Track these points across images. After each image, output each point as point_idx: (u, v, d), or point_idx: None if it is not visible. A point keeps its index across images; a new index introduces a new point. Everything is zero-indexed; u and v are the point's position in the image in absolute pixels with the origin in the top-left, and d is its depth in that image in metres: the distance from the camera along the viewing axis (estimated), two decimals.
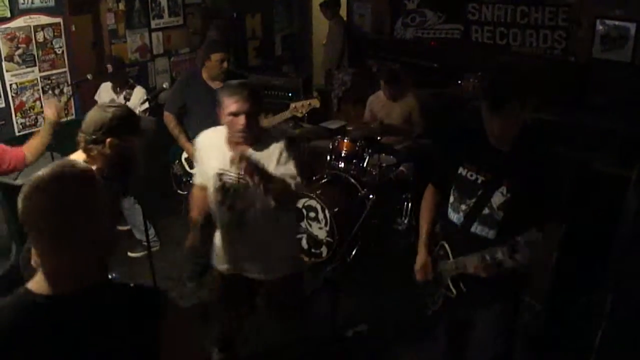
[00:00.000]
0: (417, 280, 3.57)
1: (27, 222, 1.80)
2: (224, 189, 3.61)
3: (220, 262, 3.94)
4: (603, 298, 3.82)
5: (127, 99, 5.83)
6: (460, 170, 3.29)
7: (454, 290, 3.35)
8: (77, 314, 1.81)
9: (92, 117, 3.24)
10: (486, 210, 3.19)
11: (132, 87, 6.09)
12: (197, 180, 3.92)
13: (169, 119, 5.58)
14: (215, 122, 5.28)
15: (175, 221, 6.26)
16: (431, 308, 3.61)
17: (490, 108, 3.03)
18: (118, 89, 6.14)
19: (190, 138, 5.14)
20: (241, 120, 3.44)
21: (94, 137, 3.18)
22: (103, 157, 3.24)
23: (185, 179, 5.71)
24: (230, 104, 3.44)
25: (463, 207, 3.28)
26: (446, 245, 3.40)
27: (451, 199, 3.38)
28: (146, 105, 5.83)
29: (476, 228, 3.23)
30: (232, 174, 3.57)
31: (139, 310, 1.87)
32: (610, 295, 3.75)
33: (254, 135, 3.54)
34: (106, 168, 3.26)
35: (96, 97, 6.28)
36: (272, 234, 3.68)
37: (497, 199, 3.14)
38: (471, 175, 3.24)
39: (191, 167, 5.57)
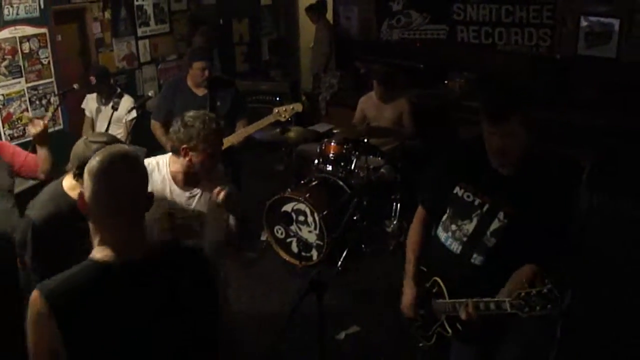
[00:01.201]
0: (405, 317, 3.36)
1: (105, 193, 1.99)
2: (173, 228, 3.40)
3: None
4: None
5: (115, 108, 5.80)
6: (457, 189, 3.07)
7: (449, 330, 3.12)
8: (150, 277, 2.04)
9: (76, 152, 3.14)
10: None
11: (120, 96, 6.05)
12: None
13: (155, 126, 5.59)
14: None
15: None
16: (424, 343, 3.37)
17: (490, 122, 2.78)
18: (103, 100, 6.14)
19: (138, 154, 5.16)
20: (215, 161, 3.36)
21: (77, 172, 3.12)
22: None
23: None
24: (211, 143, 3.29)
25: (453, 227, 3.09)
26: (440, 282, 3.14)
27: (444, 218, 3.17)
28: (134, 114, 5.83)
29: (475, 258, 3.02)
30: (183, 214, 3.40)
31: (198, 268, 2.18)
32: (569, 292, 3.75)
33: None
34: None
35: (83, 106, 6.28)
36: None
37: (493, 224, 2.93)
38: (468, 197, 3.02)
39: None
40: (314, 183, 6.06)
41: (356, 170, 6.12)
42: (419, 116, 6.67)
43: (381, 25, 9.17)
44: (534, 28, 7.83)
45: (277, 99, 8.56)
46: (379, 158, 6.29)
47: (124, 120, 6.02)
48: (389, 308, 5.11)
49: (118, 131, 6.01)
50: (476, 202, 2.98)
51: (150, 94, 5.58)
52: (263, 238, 6.16)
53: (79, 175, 3.15)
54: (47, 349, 1.91)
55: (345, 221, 5.76)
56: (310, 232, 5.77)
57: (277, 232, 5.96)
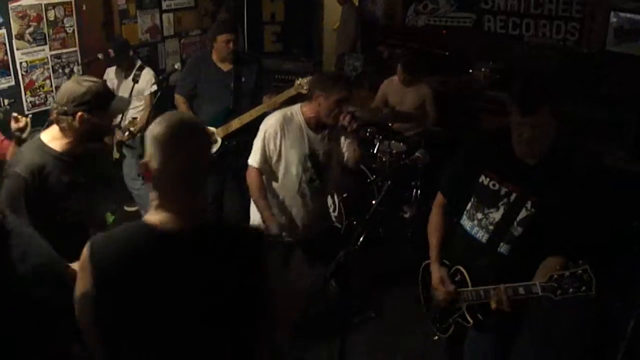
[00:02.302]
0: (435, 300, 3.36)
1: (168, 161, 2.01)
2: (311, 168, 4.12)
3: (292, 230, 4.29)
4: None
5: (135, 81, 5.77)
6: (482, 178, 3.10)
7: (470, 320, 3.15)
8: (193, 249, 2.06)
9: (66, 88, 3.14)
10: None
11: (141, 69, 6.02)
12: (258, 163, 4.12)
13: (179, 101, 5.56)
14: (225, 103, 5.24)
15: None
16: (439, 336, 3.46)
17: (521, 113, 2.81)
18: (124, 73, 6.11)
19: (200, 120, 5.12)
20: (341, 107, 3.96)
21: (65, 108, 3.08)
22: (72, 130, 3.14)
23: None
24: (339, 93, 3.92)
25: (479, 215, 3.12)
26: (463, 270, 3.17)
27: (468, 206, 3.21)
28: (155, 87, 5.80)
29: (501, 247, 3.05)
30: (318, 153, 4.12)
31: (248, 247, 2.17)
32: None
33: None
34: (75, 142, 3.19)
35: (105, 76, 6.25)
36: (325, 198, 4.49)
37: (520, 214, 2.96)
38: (493, 185, 3.06)
39: None
40: None
41: (378, 155, 6.08)
42: (442, 104, 6.62)
43: (407, 10, 9.07)
44: (562, 21, 7.74)
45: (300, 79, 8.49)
46: (401, 143, 6.25)
47: (145, 93, 5.98)
48: (405, 294, 5.13)
49: (139, 104, 5.99)
50: (502, 191, 3.02)
51: (176, 67, 5.52)
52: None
53: (64, 113, 3.10)
54: (85, 293, 2.04)
55: (366, 206, 5.71)
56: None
57: None
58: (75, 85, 3.15)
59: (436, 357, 4.29)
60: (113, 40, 6.52)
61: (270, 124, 4.07)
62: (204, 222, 2.12)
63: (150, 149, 2.04)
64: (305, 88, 4.92)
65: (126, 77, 6.05)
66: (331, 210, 5.67)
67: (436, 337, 3.48)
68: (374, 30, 9.41)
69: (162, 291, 2.02)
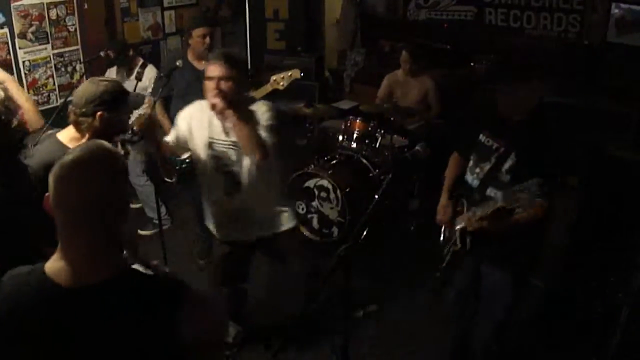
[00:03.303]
0: (438, 221, 3.87)
1: (59, 204, 1.76)
2: (216, 156, 3.88)
3: (219, 231, 4.20)
4: (622, 280, 3.85)
5: (139, 79, 5.79)
6: (481, 136, 3.63)
7: (459, 243, 3.65)
8: (98, 306, 1.76)
9: (84, 90, 3.27)
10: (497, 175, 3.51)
11: (144, 67, 6.03)
12: (170, 137, 4.08)
13: (158, 108, 5.39)
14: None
15: (185, 200, 6.22)
16: (440, 266, 3.91)
17: (506, 89, 3.45)
18: (125, 73, 6.11)
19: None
20: (213, 84, 3.66)
21: (84, 110, 3.21)
22: (92, 130, 3.26)
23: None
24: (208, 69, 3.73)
25: (477, 170, 3.62)
26: (464, 202, 3.68)
27: (470, 163, 3.70)
28: None
29: (490, 191, 3.51)
30: (222, 141, 3.85)
31: (160, 300, 1.81)
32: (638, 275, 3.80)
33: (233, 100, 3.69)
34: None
35: (107, 75, 6.26)
36: (262, 194, 3.96)
37: (507, 163, 3.45)
38: (488, 142, 3.58)
39: None
40: (337, 160, 6.05)
41: (381, 149, 6.09)
42: (444, 96, 6.63)
43: (408, 4, 9.05)
44: (563, 13, 7.70)
45: (301, 74, 8.48)
46: (404, 137, 6.26)
47: (149, 90, 6.00)
48: (408, 288, 5.15)
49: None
50: (494, 146, 3.54)
51: (178, 63, 5.47)
52: None
53: (83, 114, 3.22)
54: None
55: (368, 200, 5.73)
56: (332, 208, 5.77)
57: (299, 207, 5.95)
58: (93, 86, 3.27)
59: (438, 351, 4.35)
60: (111, 43, 6.53)
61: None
62: (107, 277, 1.78)
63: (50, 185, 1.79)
64: (281, 84, 4.81)
65: (129, 76, 6.05)
66: (333, 205, 5.70)
67: (438, 273, 3.98)
68: (375, 25, 9.39)
69: (43, 354, 1.77)
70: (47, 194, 1.79)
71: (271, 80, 4.82)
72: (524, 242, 3.55)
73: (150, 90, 5.92)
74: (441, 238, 3.93)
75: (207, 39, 5.17)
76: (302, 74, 5.00)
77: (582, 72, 7.19)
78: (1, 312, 1.79)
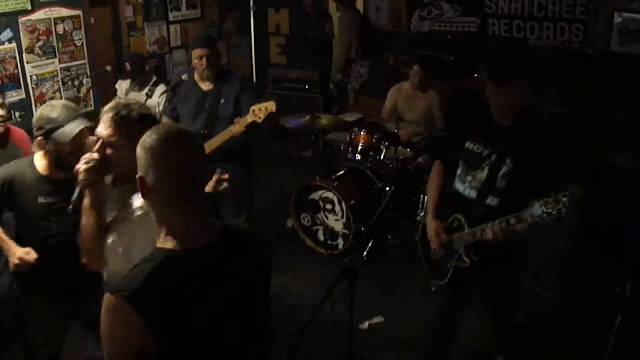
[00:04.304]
0: (432, 249, 3.74)
1: (174, 171, 1.90)
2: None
3: None
4: (622, 290, 3.86)
5: (149, 96, 5.84)
6: (468, 144, 3.56)
7: (466, 260, 3.50)
8: (222, 264, 1.97)
9: (41, 113, 3.17)
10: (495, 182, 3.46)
11: (156, 85, 6.04)
12: None
13: (164, 122, 5.07)
14: (200, 125, 5.00)
15: None
16: (438, 283, 3.80)
17: (496, 84, 3.33)
18: (137, 87, 6.15)
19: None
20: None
21: (35, 133, 3.16)
22: (49, 156, 3.21)
23: None
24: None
25: (469, 178, 3.55)
26: (461, 217, 3.56)
27: (459, 171, 3.64)
28: (164, 99, 5.84)
29: (490, 200, 3.47)
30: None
31: (263, 249, 2.15)
32: (629, 283, 3.81)
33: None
34: (51, 167, 3.24)
35: (117, 86, 6.33)
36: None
37: (503, 170, 3.41)
38: (477, 149, 3.51)
39: None
40: (342, 172, 6.07)
41: (386, 161, 6.11)
42: (448, 109, 6.65)
43: (412, 17, 9.09)
44: (566, 23, 7.73)
45: (306, 87, 8.55)
46: (409, 149, 6.28)
47: (158, 109, 6.04)
48: (414, 300, 5.15)
49: None
50: (485, 153, 3.48)
51: (184, 77, 5.43)
52: (289, 225, 6.18)
53: (43, 136, 3.12)
54: (134, 355, 1.80)
55: (374, 212, 5.75)
56: (337, 220, 5.79)
57: (304, 219, 5.98)
58: (44, 108, 3.18)
59: None
60: (130, 55, 6.58)
61: None
62: (219, 234, 2.00)
63: (145, 163, 1.92)
64: (259, 117, 4.72)
65: (140, 90, 6.11)
66: (339, 217, 5.73)
67: (434, 288, 3.87)
68: (379, 37, 9.44)
69: (211, 312, 1.92)
70: (139, 175, 1.93)
71: (250, 112, 4.76)
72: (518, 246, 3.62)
73: (159, 110, 5.96)
74: (434, 256, 3.77)
75: (204, 60, 5.03)
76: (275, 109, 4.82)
77: (585, 82, 7.20)
78: (172, 301, 1.84)
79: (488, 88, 3.38)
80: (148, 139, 1.92)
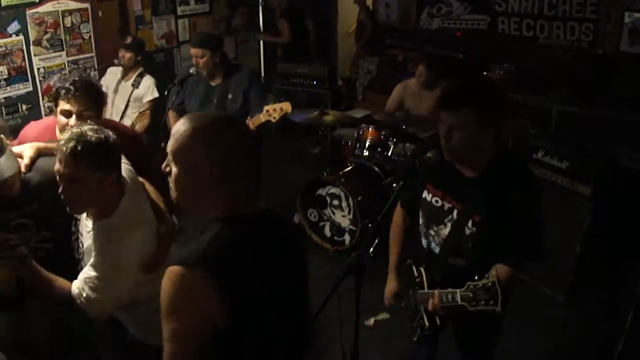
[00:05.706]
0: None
1: (240, 153, 1.95)
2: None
3: None
4: (630, 290, 3.83)
5: (135, 86, 5.85)
6: (425, 194, 3.11)
7: (427, 323, 3.14)
8: (275, 228, 2.12)
9: None
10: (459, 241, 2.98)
11: (142, 76, 6.12)
12: None
13: (170, 116, 5.40)
14: None
15: None
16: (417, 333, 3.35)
17: (440, 107, 2.79)
18: (125, 74, 6.23)
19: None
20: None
21: None
22: None
23: None
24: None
25: (431, 232, 3.10)
26: (423, 273, 3.16)
27: (420, 221, 3.20)
28: (155, 93, 5.87)
29: (452, 260, 3.02)
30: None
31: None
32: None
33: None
34: None
35: (102, 81, 6.25)
36: None
37: (466, 230, 2.91)
38: (436, 202, 3.04)
39: None
40: (350, 168, 6.05)
41: (393, 157, 6.09)
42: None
43: (421, 13, 9.07)
44: (576, 22, 7.69)
45: (315, 82, 8.53)
46: (416, 145, 6.25)
47: (145, 100, 6.04)
48: None
49: (135, 110, 5.99)
50: (445, 207, 2.99)
51: (191, 71, 5.43)
52: (295, 221, 6.16)
53: None
54: (202, 328, 1.79)
55: (381, 208, 5.73)
56: (343, 216, 5.77)
57: (311, 215, 5.96)
58: None
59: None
60: (133, 38, 6.56)
61: None
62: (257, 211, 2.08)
63: (203, 150, 1.88)
64: (273, 117, 4.78)
65: (126, 79, 6.15)
66: (346, 212, 5.70)
67: (415, 337, 3.38)
68: (388, 34, 9.41)
69: (277, 277, 2.01)
70: None
71: (264, 112, 4.80)
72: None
73: (146, 99, 5.95)
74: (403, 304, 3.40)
75: (200, 60, 5.05)
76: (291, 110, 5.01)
77: (595, 82, 7.16)
78: (231, 274, 1.84)
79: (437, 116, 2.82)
80: (196, 126, 1.92)
